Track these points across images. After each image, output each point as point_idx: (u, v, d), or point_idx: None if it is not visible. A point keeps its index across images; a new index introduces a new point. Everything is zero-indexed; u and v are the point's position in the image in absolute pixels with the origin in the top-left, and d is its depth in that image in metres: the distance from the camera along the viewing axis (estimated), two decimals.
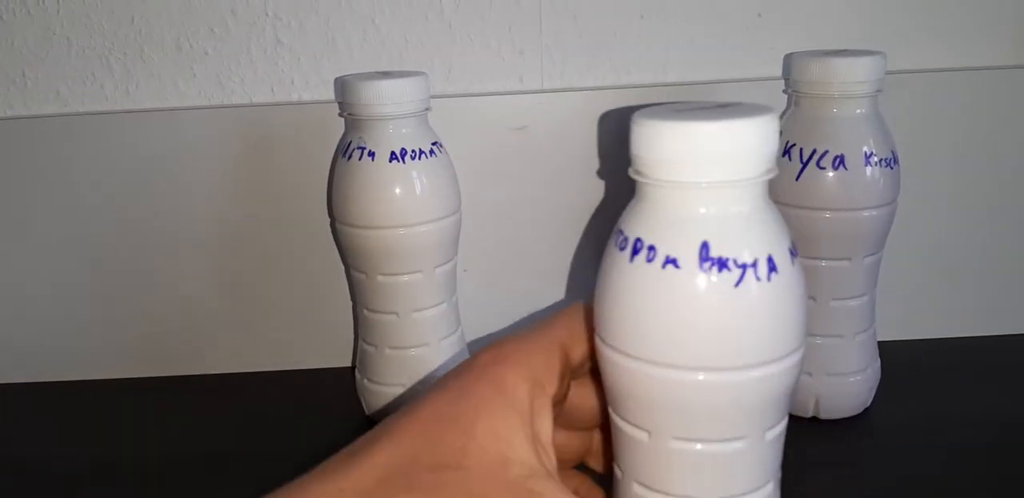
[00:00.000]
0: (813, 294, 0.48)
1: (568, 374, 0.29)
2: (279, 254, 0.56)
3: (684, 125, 0.24)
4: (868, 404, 0.51)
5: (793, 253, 0.26)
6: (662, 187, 0.25)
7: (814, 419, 0.50)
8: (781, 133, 0.47)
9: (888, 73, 0.46)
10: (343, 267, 0.55)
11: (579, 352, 0.30)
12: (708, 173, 0.24)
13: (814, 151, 0.45)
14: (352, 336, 0.58)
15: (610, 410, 0.29)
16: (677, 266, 0.25)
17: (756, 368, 0.26)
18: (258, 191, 0.55)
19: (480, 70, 0.54)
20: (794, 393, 0.49)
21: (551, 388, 0.28)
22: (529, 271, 0.57)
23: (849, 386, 0.49)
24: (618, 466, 0.30)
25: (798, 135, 0.46)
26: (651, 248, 0.25)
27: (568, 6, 0.53)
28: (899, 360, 0.53)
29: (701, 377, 0.25)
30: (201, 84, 0.55)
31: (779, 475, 0.31)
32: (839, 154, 0.45)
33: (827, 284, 0.47)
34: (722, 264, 0.24)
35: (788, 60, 0.48)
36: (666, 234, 0.25)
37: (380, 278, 0.48)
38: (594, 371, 0.30)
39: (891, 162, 0.45)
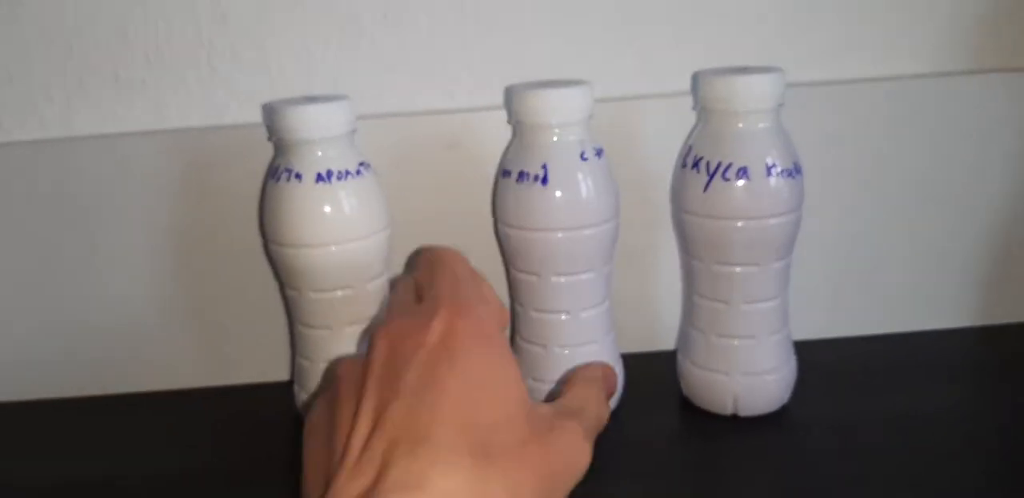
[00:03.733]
0: (727, 298, 0.50)
1: None
2: (217, 274, 0.58)
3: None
4: (786, 401, 0.53)
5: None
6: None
7: (734, 416, 0.52)
8: (691, 147, 0.50)
9: (793, 86, 0.49)
10: (278, 285, 0.56)
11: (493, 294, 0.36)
12: None
13: (719, 163, 0.48)
14: (290, 351, 0.59)
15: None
16: None
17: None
18: (195, 213, 0.56)
19: (411, 89, 0.56)
20: (712, 392, 0.52)
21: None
22: None
23: (766, 384, 0.52)
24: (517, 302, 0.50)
25: (706, 149, 0.49)
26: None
27: (492, 21, 0.55)
28: (816, 359, 0.55)
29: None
30: (139, 110, 0.56)
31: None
32: (743, 166, 0.47)
33: (739, 288, 0.50)
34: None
35: (695, 78, 0.50)
36: None
37: (312, 294, 0.50)
38: None
39: (793, 172, 0.48)
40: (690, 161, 0.49)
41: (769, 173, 0.47)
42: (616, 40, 0.56)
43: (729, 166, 0.47)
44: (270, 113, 0.48)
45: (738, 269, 0.50)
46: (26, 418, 0.58)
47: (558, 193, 0.48)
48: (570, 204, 0.48)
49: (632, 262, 0.59)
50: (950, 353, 0.60)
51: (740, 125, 0.48)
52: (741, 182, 0.47)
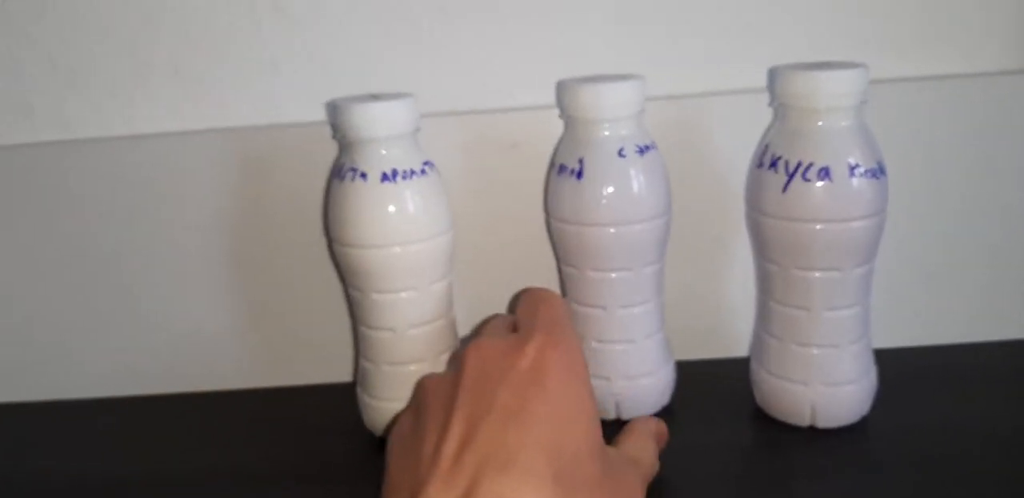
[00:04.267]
0: (806, 305, 0.48)
1: None
2: (280, 274, 0.57)
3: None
4: (866, 413, 0.51)
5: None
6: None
7: (812, 428, 0.50)
8: (767, 146, 0.48)
9: (877, 82, 0.46)
10: (342, 286, 0.55)
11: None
12: None
13: (799, 163, 0.45)
14: (353, 353, 0.58)
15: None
16: None
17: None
18: (257, 214, 0.56)
19: (471, 88, 0.55)
20: (789, 402, 0.49)
21: None
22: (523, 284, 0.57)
23: (845, 395, 0.49)
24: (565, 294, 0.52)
25: (784, 148, 0.46)
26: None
27: (556, 17, 0.54)
28: (897, 368, 0.53)
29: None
30: (200, 108, 0.56)
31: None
32: (824, 166, 0.45)
33: (819, 295, 0.48)
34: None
35: (772, 74, 0.48)
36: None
37: (375, 296, 0.49)
38: None
39: (877, 173, 0.46)
40: (767, 160, 0.47)
41: (852, 173, 0.45)
42: (685, 34, 0.54)
43: (810, 166, 0.45)
44: (335, 111, 0.47)
45: (818, 274, 0.47)
46: (89, 416, 0.59)
47: (591, 188, 0.48)
48: (601, 200, 0.48)
49: (704, 264, 0.57)
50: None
51: (820, 123, 0.45)
52: (822, 183, 0.45)
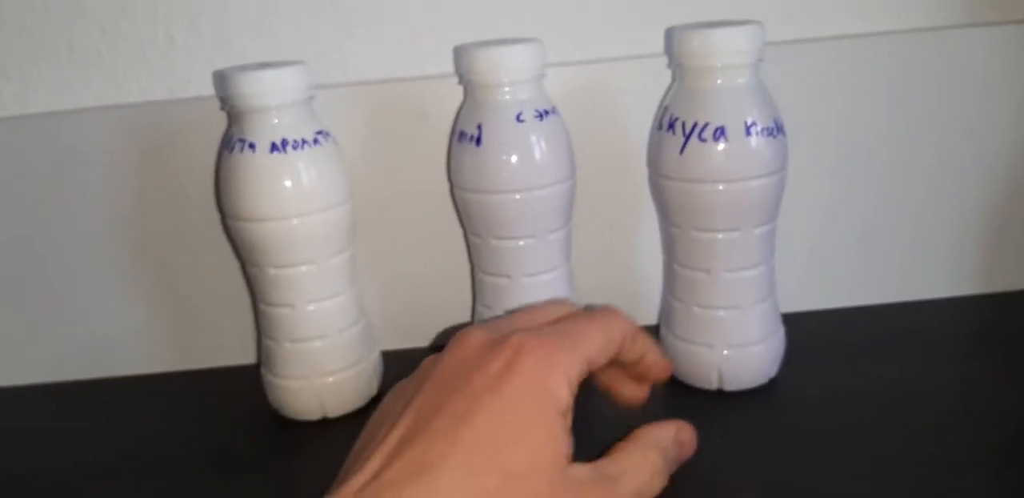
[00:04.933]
0: (708, 267, 0.48)
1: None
2: (184, 254, 0.55)
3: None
4: (774, 375, 0.51)
5: None
6: None
7: (719, 391, 0.50)
8: (665, 108, 0.47)
9: (772, 44, 0.46)
10: (239, 263, 0.54)
11: (603, 359, 0.33)
12: None
13: (695, 123, 0.45)
14: (255, 332, 0.57)
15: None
16: None
17: None
18: (155, 189, 0.54)
19: (379, 57, 0.54)
20: (695, 366, 0.49)
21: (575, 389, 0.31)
22: (431, 256, 0.57)
23: (750, 357, 0.49)
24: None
25: (681, 109, 0.46)
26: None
27: None
28: (804, 331, 0.53)
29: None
30: (97, 85, 0.54)
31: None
32: (720, 125, 0.45)
33: (721, 256, 0.47)
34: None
35: (669, 34, 0.48)
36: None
37: (272, 271, 0.47)
38: None
39: (774, 131, 0.45)
40: (665, 122, 0.47)
41: (748, 132, 0.45)
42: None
43: (706, 126, 0.45)
44: (221, 80, 0.45)
45: (719, 235, 0.47)
46: None
47: (490, 154, 0.47)
48: (501, 166, 0.47)
49: (612, 232, 0.56)
50: (942, 323, 0.57)
51: (718, 82, 0.45)
52: (718, 143, 0.45)
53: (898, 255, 0.59)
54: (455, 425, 0.28)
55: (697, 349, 0.49)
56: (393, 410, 0.31)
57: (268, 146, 0.45)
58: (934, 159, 0.56)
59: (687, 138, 0.45)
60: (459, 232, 0.54)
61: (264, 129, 0.45)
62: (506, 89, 0.47)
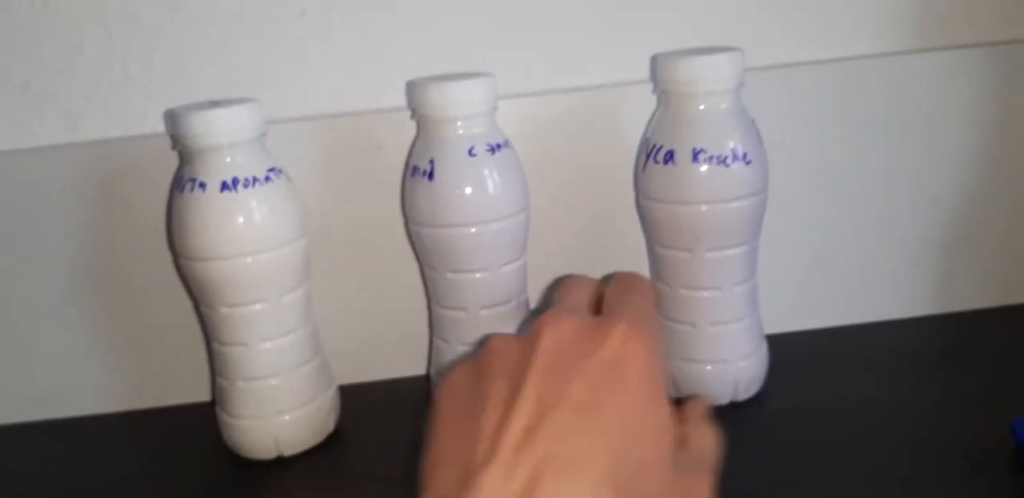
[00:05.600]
0: (681, 283, 0.50)
1: None
2: (138, 293, 0.55)
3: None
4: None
5: None
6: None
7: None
8: (650, 134, 0.49)
9: (749, 70, 0.48)
10: (191, 302, 0.54)
11: None
12: None
13: (679, 148, 0.47)
14: (209, 371, 0.56)
15: None
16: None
17: None
18: (112, 229, 0.54)
19: (334, 90, 0.54)
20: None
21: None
22: (387, 289, 0.57)
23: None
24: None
25: (664, 134, 0.48)
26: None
27: (425, 17, 0.53)
28: (784, 351, 0.54)
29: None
30: (53, 124, 0.53)
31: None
32: (701, 148, 0.47)
33: (714, 271, 0.49)
34: None
35: (654, 61, 0.50)
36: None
37: (224, 310, 0.47)
38: None
39: (745, 157, 0.47)
40: (651, 147, 0.48)
41: (734, 157, 0.47)
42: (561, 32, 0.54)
43: (694, 149, 0.47)
44: (171, 120, 0.45)
45: (709, 254, 0.49)
46: None
47: (443, 189, 0.47)
48: (455, 200, 0.47)
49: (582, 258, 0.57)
50: (903, 343, 0.58)
51: (701, 107, 0.47)
52: (704, 166, 0.47)
53: (851, 278, 0.60)
54: (584, 415, 0.28)
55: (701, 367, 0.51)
56: (490, 394, 0.30)
57: (219, 185, 0.45)
58: (896, 183, 0.58)
59: (667, 162, 0.47)
60: (415, 265, 0.54)
61: (214, 168, 0.45)
62: (458, 123, 0.47)
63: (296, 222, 0.47)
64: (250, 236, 0.45)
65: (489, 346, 0.32)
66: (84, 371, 0.56)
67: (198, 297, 0.48)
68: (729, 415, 0.48)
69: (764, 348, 0.52)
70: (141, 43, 0.52)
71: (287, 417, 0.49)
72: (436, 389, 0.31)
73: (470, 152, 0.47)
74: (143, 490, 0.49)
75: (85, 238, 0.54)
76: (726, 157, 0.47)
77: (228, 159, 0.45)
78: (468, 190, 0.47)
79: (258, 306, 0.47)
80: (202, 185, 0.45)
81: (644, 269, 0.53)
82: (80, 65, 0.52)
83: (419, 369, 0.58)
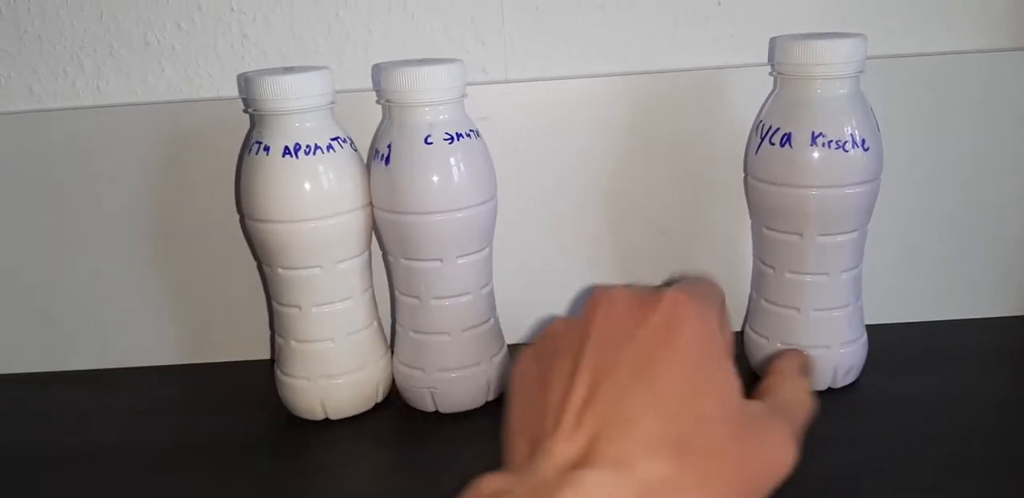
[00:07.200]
0: (796, 268, 0.49)
1: None
2: (203, 252, 0.57)
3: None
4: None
5: None
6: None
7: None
8: (765, 116, 0.48)
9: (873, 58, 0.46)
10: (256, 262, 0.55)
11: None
12: None
13: (795, 130, 0.46)
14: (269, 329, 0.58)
15: None
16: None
17: None
18: (180, 190, 0.55)
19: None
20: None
21: None
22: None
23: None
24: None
25: (778, 117, 0.47)
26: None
27: None
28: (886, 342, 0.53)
29: None
30: (170, 79, 0.55)
31: None
32: (820, 132, 0.45)
33: (823, 256, 0.48)
34: None
35: (772, 43, 0.49)
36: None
37: (281, 271, 0.48)
38: None
39: (863, 143, 0.46)
40: (766, 129, 0.47)
41: (852, 142, 0.45)
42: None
43: (812, 133, 0.45)
44: (244, 84, 0.46)
45: (819, 239, 0.48)
46: (10, 390, 0.59)
47: (396, 175, 0.46)
48: (405, 187, 0.47)
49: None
50: (997, 340, 0.57)
51: (818, 91, 0.46)
52: (822, 150, 0.45)
53: (970, 273, 0.58)
54: (638, 379, 0.29)
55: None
56: (553, 372, 0.31)
57: (281, 150, 0.46)
58: (990, 177, 0.55)
59: (783, 144, 0.46)
60: None
61: (279, 133, 0.46)
62: (417, 110, 0.46)
63: (352, 192, 0.48)
64: (305, 202, 0.46)
65: (551, 327, 0.33)
66: (148, 323, 0.59)
67: (260, 257, 0.50)
68: (826, 401, 0.48)
69: (865, 337, 0.51)
70: (258, 6, 0.53)
71: (334, 381, 0.50)
72: (511, 371, 0.34)
73: (426, 140, 0.46)
74: (193, 440, 0.51)
75: (151, 196, 0.56)
76: (845, 142, 0.45)
77: (292, 125, 0.46)
78: (420, 178, 0.46)
79: (313, 271, 0.48)
80: (267, 148, 0.46)
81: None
82: (199, 24, 0.54)
83: None
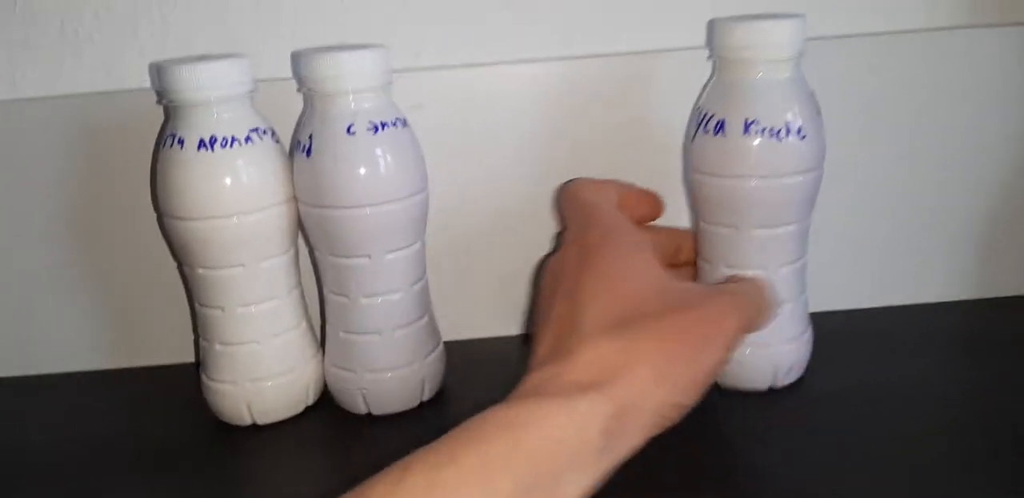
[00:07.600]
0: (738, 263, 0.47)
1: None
2: (121, 251, 0.55)
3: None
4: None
5: None
6: None
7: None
8: (703, 103, 0.46)
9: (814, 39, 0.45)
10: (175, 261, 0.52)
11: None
12: None
13: (732, 118, 0.44)
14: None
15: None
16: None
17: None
18: (96, 185, 0.53)
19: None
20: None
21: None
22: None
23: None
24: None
25: (717, 104, 0.45)
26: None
27: None
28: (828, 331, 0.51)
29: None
30: (89, 69, 0.52)
31: None
32: (754, 120, 0.43)
33: (760, 250, 0.46)
34: None
35: (710, 26, 0.47)
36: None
37: (201, 271, 0.46)
38: None
39: (800, 131, 0.43)
40: (703, 117, 0.45)
41: (788, 130, 0.43)
42: None
43: (746, 120, 0.43)
44: (155, 73, 0.44)
45: (755, 232, 0.46)
46: None
47: (317, 166, 0.44)
48: (326, 179, 0.44)
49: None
50: (946, 325, 0.56)
51: (755, 76, 0.44)
52: (755, 138, 0.43)
53: (906, 257, 0.57)
54: (574, 297, 0.37)
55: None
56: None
57: (196, 143, 0.43)
58: (939, 161, 0.55)
59: (717, 132, 0.45)
60: None
61: (193, 125, 0.43)
62: (339, 98, 0.44)
63: (274, 187, 0.45)
64: (223, 198, 0.44)
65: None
66: (66, 328, 0.56)
67: (179, 257, 0.47)
68: (769, 400, 0.48)
69: (809, 332, 0.49)
70: None
71: (263, 384, 0.48)
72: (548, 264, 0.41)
73: (348, 130, 0.44)
74: (116, 447, 0.49)
75: (65, 192, 0.53)
76: (779, 130, 0.43)
77: (207, 116, 0.43)
78: (343, 170, 0.44)
79: (235, 270, 0.46)
80: (181, 141, 0.44)
81: None
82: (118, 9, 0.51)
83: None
